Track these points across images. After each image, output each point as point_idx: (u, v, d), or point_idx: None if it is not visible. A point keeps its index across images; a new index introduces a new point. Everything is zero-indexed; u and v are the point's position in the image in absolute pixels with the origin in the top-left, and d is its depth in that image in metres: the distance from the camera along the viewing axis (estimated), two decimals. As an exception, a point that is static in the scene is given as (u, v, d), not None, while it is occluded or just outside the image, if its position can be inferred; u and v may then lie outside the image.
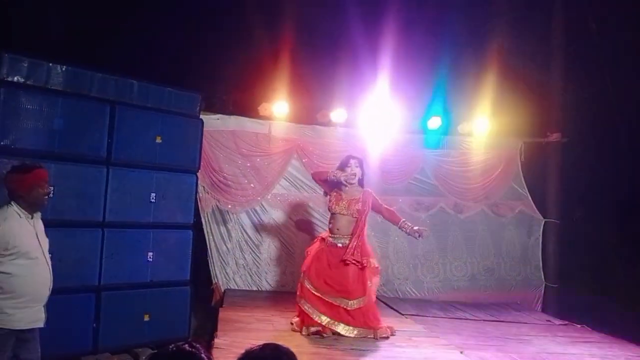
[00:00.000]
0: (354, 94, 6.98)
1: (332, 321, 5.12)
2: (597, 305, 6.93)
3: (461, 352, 4.88)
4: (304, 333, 5.10)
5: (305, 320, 5.18)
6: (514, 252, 7.79)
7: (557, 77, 7.58)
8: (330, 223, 5.45)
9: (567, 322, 6.57)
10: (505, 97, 7.25)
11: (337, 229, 5.32)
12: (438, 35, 7.16)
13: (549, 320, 6.72)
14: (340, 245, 5.27)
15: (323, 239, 5.43)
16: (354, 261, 5.17)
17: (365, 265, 5.20)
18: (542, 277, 7.73)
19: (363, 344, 4.96)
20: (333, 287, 5.18)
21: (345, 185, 5.35)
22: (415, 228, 5.31)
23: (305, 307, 5.18)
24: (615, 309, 6.83)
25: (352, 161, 5.38)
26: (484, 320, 6.41)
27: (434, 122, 7.36)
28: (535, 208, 7.80)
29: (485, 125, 7.47)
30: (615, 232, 7.07)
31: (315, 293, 5.17)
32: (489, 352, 4.96)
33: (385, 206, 5.53)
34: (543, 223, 7.77)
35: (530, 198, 7.80)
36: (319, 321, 5.10)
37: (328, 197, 5.48)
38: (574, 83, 7.23)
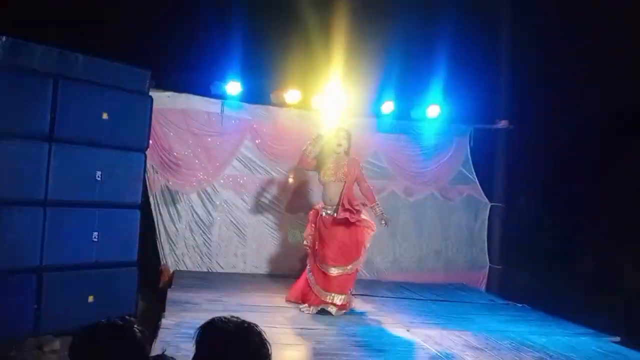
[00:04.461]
0: (308, 76, 6.94)
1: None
2: (537, 286, 7.23)
3: (407, 330, 5.01)
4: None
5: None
6: (461, 235, 8.01)
7: (505, 65, 7.77)
8: (322, 195, 5.66)
9: (509, 302, 6.82)
10: (457, 83, 7.38)
11: (329, 199, 5.54)
12: (390, 19, 7.19)
13: (492, 300, 6.97)
14: (332, 213, 5.46)
15: (317, 211, 5.62)
16: (342, 216, 5.33)
17: (353, 222, 5.37)
18: (487, 259, 7.99)
19: (313, 322, 5.01)
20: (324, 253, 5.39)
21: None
22: (385, 215, 5.63)
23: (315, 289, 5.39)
24: (553, 290, 7.14)
25: (341, 133, 5.66)
26: (430, 300, 6.58)
27: (387, 107, 7.42)
28: (482, 192, 8.01)
29: (437, 111, 7.59)
30: (556, 217, 7.37)
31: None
32: (434, 330, 5.11)
33: (367, 183, 5.72)
34: (489, 207, 8.01)
35: (477, 183, 8.02)
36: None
37: (318, 174, 5.66)
38: (521, 72, 7.43)
